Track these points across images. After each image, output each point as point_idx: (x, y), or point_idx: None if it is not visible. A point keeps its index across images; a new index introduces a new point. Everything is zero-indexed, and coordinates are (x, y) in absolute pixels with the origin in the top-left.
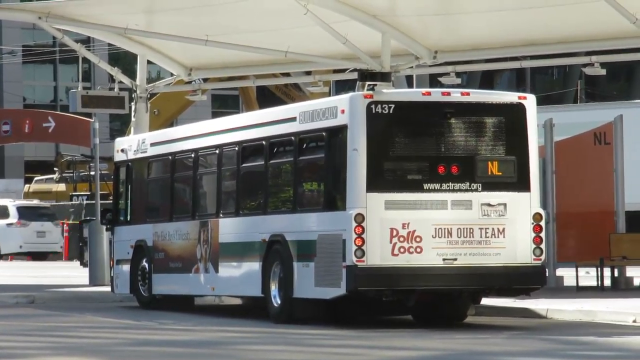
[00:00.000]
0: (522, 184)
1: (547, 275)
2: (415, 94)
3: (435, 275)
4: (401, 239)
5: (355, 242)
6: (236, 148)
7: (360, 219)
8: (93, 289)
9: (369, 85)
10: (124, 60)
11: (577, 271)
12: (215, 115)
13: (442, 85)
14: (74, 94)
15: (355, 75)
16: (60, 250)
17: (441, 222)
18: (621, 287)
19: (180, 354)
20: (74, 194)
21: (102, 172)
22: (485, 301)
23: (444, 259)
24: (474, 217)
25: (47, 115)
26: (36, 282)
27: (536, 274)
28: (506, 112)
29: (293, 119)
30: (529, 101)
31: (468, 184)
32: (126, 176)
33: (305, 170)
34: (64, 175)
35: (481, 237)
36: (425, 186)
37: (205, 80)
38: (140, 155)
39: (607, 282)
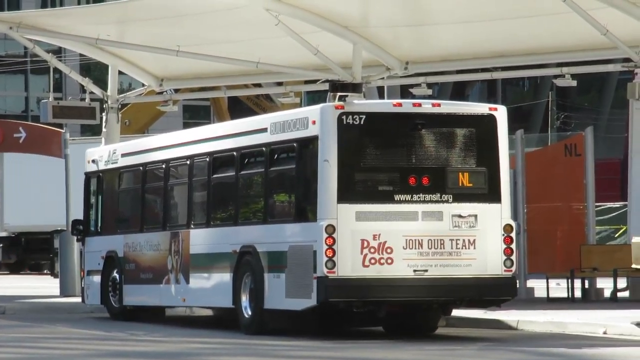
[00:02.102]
0: (492, 195)
1: (517, 286)
2: (386, 105)
3: (405, 287)
4: (372, 250)
5: (326, 253)
6: (207, 159)
7: (331, 230)
8: (64, 300)
9: (340, 96)
10: (96, 71)
11: (547, 282)
12: (186, 125)
13: (413, 96)
14: (45, 105)
15: (326, 86)
16: None
17: (412, 233)
18: (592, 299)
19: None
20: None
21: None
22: (456, 312)
23: (414, 270)
24: (444, 228)
25: (18, 125)
26: (7, 293)
27: (507, 285)
28: (477, 123)
29: (264, 130)
30: (500, 112)
31: (439, 195)
32: (97, 187)
33: (276, 181)
34: None
35: (452, 248)
36: (396, 197)
37: (176, 90)
38: (111, 166)
39: (578, 293)
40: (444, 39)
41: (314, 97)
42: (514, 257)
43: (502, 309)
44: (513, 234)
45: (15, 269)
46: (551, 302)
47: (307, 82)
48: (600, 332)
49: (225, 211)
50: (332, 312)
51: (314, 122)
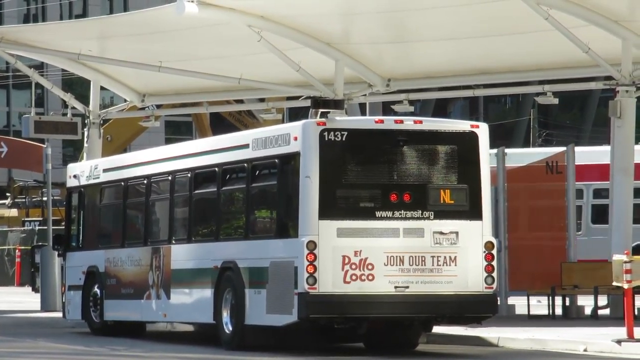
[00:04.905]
0: (474, 213)
1: (498, 303)
2: (368, 121)
3: (386, 303)
4: (353, 266)
5: (307, 269)
6: (189, 174)
7: (312, 246)
8: (45, 315)
9: (322, 112)
10: (78, 86)
11: (528, 300)
12: (168, 141)
13: (395, 113)
14: (27, 120)
15: (308, 103)
16: None
17: (393, 250)
18: (572, 316)
19: None
20: (26, 219)
21: (55, 197)
22: (437, 329)
23: (395, 287)
24: (426, 245)
25: (0, 140)
26: None
27: (488, 303)
28: (459, 140)
29: (246, 146)
30: (482, 130)
31: (420, 212)
32: (78, 202)
33: (258, 197)
34: (16, 200)
35: (433, 265)
36: (378, 214)
37: (158, 106)
38: (92, 181)
39: (559, 310)
40: (426, 56)
41: (296, 114)
42: (495, 274)
43: (483, 325)
44: (494, 251)
45: None
46: (532, 319)
47: (289, 98)
48: (580, 349)
49: (207, 227)
50: (313, 328)
51: (295, 139)
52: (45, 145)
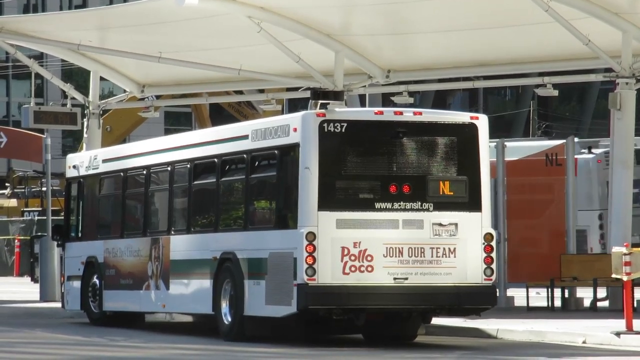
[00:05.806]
0: (473, 204)
1: (497, 295)
2: (367, 113)
3: (385, 295)
4: (352, 257)
5: (306, 260)
6: (188, 165)
7: (311, 237)
8: (43, 305)
9: (321, 103)
10: (77, 77)
11: (527, 291)
12: (167, 132)
13: (394, 105)
14: (27, 110)
15: (308, 94)
16: None
17: (392, 242)
18: (571, 308)
19: None
20: (25, 209)
21: (54, 188)
22: (436, 321)
23: (394, 278)
24: (425, 236)
25: None
26: None
27: (487, 294)
28: (458, 132)
29: (245, 137)
30: (481, 121)
31: (419, 203)
32: (78, 192)
33: (257, 188)
34: (15, 190)
35: (432, 256)
36: (377, 205)
37: (158, 97)
38: (92, 171)
39: (558, 302)
40: (425, 48)
41: (296, 105)
42: (494, 266)
43: (481, 317)
44: (493, 243)
45: None
46: (531, 311)
47: (289, 89)
48: (579, 341)
49: (206, 218)
50: (312, 319)
51: (295, 130)
52: (44, 136)
